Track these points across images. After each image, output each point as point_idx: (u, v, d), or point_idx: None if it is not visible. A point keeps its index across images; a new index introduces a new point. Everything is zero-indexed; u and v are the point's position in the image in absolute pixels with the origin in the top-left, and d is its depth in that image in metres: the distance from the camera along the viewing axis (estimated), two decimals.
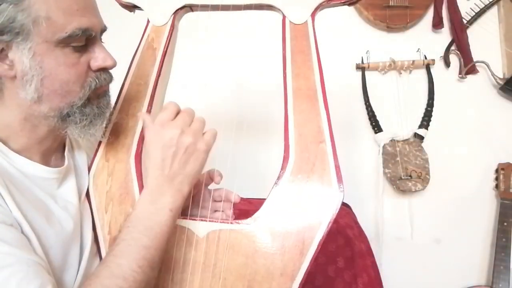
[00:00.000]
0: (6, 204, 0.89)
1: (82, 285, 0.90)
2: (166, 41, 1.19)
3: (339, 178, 1.03)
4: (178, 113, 1.02)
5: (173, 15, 1.19)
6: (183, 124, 0.99)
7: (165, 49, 1.19)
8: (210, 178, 1.20)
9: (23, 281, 0.81)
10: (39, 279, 0.84)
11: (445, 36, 2.51)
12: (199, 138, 1.00)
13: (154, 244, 0.94)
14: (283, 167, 1.06)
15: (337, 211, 1.02)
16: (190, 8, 1.19)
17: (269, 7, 1.14)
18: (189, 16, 1.24)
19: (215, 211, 1.19)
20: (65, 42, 0.93)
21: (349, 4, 1.14)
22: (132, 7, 1.21)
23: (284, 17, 1.12)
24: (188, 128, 1.00)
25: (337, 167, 1.03)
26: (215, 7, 1.15)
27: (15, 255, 0.84)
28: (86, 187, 1.16)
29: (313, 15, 1.11)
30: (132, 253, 0.91)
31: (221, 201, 1.19)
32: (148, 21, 1.21)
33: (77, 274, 1.05)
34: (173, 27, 1.19)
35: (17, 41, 0.89)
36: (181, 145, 0.98)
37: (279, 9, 1.12)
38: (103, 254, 1.11)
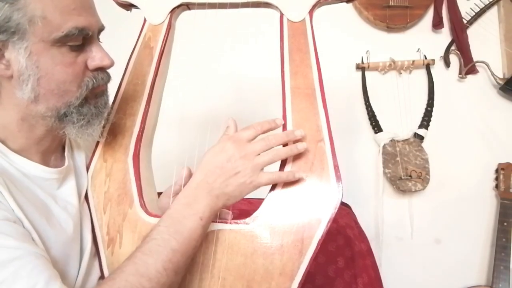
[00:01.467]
0: (8, 203, 0.89)
1: (107, 278, 0.91)
2: (163, 40, 1.18)
3: (338, 177, 1.02)
4: (257, 136, 1.04)
5: (170, 14, 1.19)
6: (252, 151, 1.01)
7: (162, 48, 1.18)
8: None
9: (33, 272, 0.82)
10: (48, 270, 0.85)
11: (445, 36, 2.51)
12: (254, 171, 1.00)
13: (182, 248, 0.94)
14: (282, 166, 1.06)
15: (336, 210, 1.02)
16: (187, 6, 1.19)
17: (267, 5, 1.14)
18: (186, 14, 1.23)
19: None
20: (61, 42, 0.92)
21: (347, 1, 1.14)
22: (129, 6, 1.21)
23: (281, 15, 1.12)
24: (253, 156, 1.00)
25: (336, 166, 1.03)
26: (212, 5, 1.15)
27: (23, 249, 0.84)
28: (86, 188, 1.16)
29: (311, 12, 1.11)
30: (160, 254, 0.91)
31: None
32: (145, 20, 1.21)
33: (77, 275, 1.05)
34: (170, 26, 1.19)
35: (13, 40, 0.89)
36: (234, 168, 0.99)
37: (276, 7, 1.12)
38: (102, 255, 1.11)
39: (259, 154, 1.01)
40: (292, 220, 1.03)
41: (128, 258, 0.92)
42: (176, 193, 1.12)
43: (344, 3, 1.16)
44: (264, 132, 1.04)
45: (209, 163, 1.01)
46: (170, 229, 0.95)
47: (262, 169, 1.01)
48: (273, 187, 1.06)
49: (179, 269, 0.94)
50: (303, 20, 1.10)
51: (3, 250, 0.83)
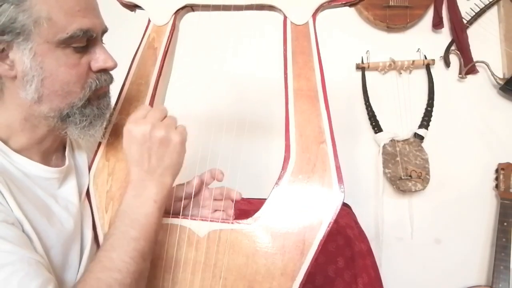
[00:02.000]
0: (7, 203, 0.90)
1: (77, 281, 0.90)
2: (167, 40, 1.19)
3: (340, 179, 1.03)
4: (148, 111, 1.03)
5: (174, 15, 1.19)
6: (154, 119, 1.00)
7: (166, 49, 1.19)
8: (212, 177, 1.20)
9: (25, 279, 0.81)
10: (40, 277, 0.84)
11: (445, 36, 2.51)
12: (171, 131, 1.00)
13: (142, 235, 0.94)
14: (283, 168, 1.06)
15: (337, 211, 1.02)
16: (191, 8, 1.19)
17: (270, 8, 1.14)
18: (190, 16, 1.24)
19: (216, 210, 1.19)
20: (66, 43, 0.93)
21: (350, 5, 1.14)
22: (133, 7, 1.21)
23: (285, 17, 1.12)
24: (160, 122, 1.00)
25: (338, 168, 1.03)
26: (216, 7, 1.15)
27: (17, 254, 0.84)
28: (86, 187, 1.16)
29: (314, 15, 1.11)
30: (122, 246, 0.92)
31: (222, 199, 1.19)
32: (149, 21, 1.21)
33: (77, 274, 1.05)
34: (174, 27, 1.19)
35: (18, 41, 0.89)
36: (154, 139, 0.98)
37: (280, 10, 1.12)
38: None
39: (162, 119, 1.02)
40: (294, 220, 1.03)
41: (93, 259, 0.92)
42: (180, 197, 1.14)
43: (347, 7, 1.16)
44: (149, 110, 1.04)
45: (133, 155, 1.00)
46: (126, 221, 0.95)
47: (174, 127, 1.02)
48: (277, 184, 1.06)
49: (145, 255, 0.95)
50: (307, 23, 1.10)
51: None
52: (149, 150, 0.98)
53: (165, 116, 1.03)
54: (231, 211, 1.16)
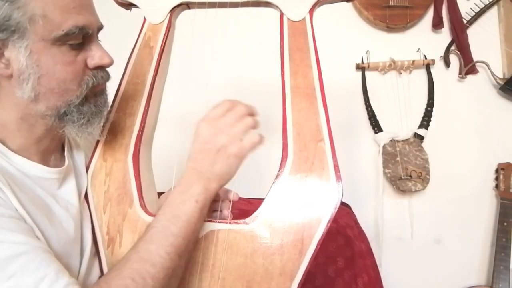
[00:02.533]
0: (11, 202, 0.89)
1: (112, 269, 0.91)
2: (163, 39, 1.18)
3: (338, 177, 1.02)
4: (228, 110, 1.04)
5: (169, 13, 1.18)
6: (225, 124, 1.01)
7: (162, 47, 1.18)
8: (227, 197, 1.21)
9: (42, 264, 0.83)
10: (56, 263, 0.86)
11: (445, 36, 2.51)
12: (234, 141, 1.01)
13: (182, 232, 0.95)
14: (281, 166, 1.05)
15: (336, 210, 1.01)
16: (187, 5, 1.19)
17: (267, 4, 1.13)
18: (186, 13, 1.23)
19: (214, 211, 1.18)
20: (61, 40, 0.92)
21: (347, 1, 1.14)
22: (129, 5, 1.21)
23: (281, 14, 1.12)
24: (228, 128, 1.01)
25: (336, 166, 1.03)
26: (212, 5, 1.15)
27: (30, 243, 0.85)
28: (85, 187, 1.16)
29: (311, 12, 1.10)
30: (160, 240, 0.93)
31: (219, 200, 1.19)
32: (145, 19, 1.20)
33: (78, 275, 1.05)
34: (170, 25, 1.19)
35: (13, 39, 0.89)
36: (215, 144, 1.00)
37: (276, 6, 1.12)
38: (102, 254, 1.11)
39: (233, 126, 1.02)
40: (292, 219, 1.03)
41: (132, 248, 0.94)
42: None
43: (344, 2, 1.15)
44: (233, 107, 1.05)
45: (193, 150, 1.02)
46: (168, 215, 0.97)
47: (241, 138, 1.02)
48: (275, 183, 1.05)
49: (182, 253, 0.95)
50: (303, 19, 1.10)
51: (10, 245, 0.83)
52: (207, 152, 1.00)
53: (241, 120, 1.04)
54: (228, 212, 1.16)
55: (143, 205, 1.10)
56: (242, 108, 1.05)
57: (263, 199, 1.06)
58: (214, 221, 1.06)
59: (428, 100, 2.47)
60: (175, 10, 1.19)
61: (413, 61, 2.45)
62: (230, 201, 1.19)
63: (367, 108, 2.50)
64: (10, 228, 0.85)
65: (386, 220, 2.48)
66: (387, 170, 2.42)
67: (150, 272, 0.88)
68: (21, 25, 0.88)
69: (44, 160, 1.07)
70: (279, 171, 1.05)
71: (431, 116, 2.45)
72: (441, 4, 2.46)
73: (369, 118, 2.50)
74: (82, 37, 0.96)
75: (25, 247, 0.84)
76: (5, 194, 0.89)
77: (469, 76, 2.47)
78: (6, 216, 0.86)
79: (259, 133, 1.05)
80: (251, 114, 1.06)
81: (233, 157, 1.01)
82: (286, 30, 1.11)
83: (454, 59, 2.49)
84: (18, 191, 0.93)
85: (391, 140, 2.44)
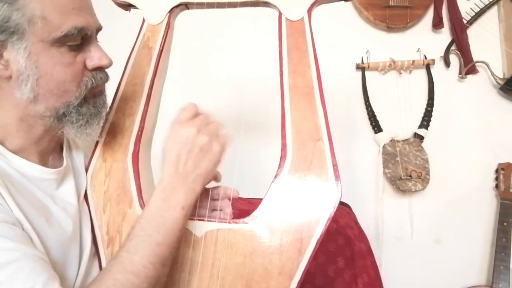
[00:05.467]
0: (7, 204, 0.89)
1: (94, 280, 0.90)
2: (162, 39, 1.18)
3: (337, 176, 1.02)
4: (196, 113, 1.04)
5: (168, 14, 1.19)
6: (201, 124, 1.01)
7: (161, 47, 1.19)
8: (226, 194, 1.21)
9: (30, 274, 0.82)
10: (46, 273, 0.84)
11: (445, 36, 2.51)
12: (214, 138, 1.01)
13: (166, 241, 0.94)
14: (280, 166, 1.05)
15: (335, 209, 1.01)
16: (186, 6, 1.19)
17: (265, 4, 1.14)
18: (185, 14, 1.24)
19: (213, 210, 1.19)
20: (60, 42, 0.92)
21: (346, 0, 1.14)
22: (128, 6, 1.21)
23: (280, 13, 1.12)
24: (205, 128, 1.01)
25: (335, 165, 1.03)
26: (210, 5, 1.15)
27: (21, 251, 0.84)
28: (85, 188, 1.16)
29: (309, 11, 1.11)
30: (145, 250, 0.92)
31: (219, 199, 1.19)
32: (144, 20, 1.21)
33: (77, 275, 1.05)
34: (168, 26, 1.19)
35: (12, 40, 0.89)
36: (196, 144, 0.99)
37: (275, 6, 1.12)
38: (102, 254, 1.11)
39: (208, 124, 1.02)
40: (291, 219, 1.03)
41: (114, 258, 0.92)
42: None
43: (343, 2, 1.15)
44: (197, 111, 1.05)
45: (171, 155, 1.00)
46: (152, 223, 0.95)
47: (218, 134, 1.03)
48: (273, 182, 1.05)
49: (165, 261, 0.95)
50: (302, 19, 1.10)
51: (0, 252, 0.82)
52: (188, 153, 0.99)
53: (210, 121, 1.04)
54: (229, 210, 1.16)
55: (142, 205, 1.10)
56: (207, 111, 1.06)
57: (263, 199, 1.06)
58: (213, 221, 1.06)
59: (428, 100, 2.47)
60: (174, 11, 1.19)
61: (413, 61, 2.45)
62: (229, 199, 1.19)
63: (367, 108, 2.50)
64: (2, 234, 0.84)
65: (386, 220, 2.48)
66: (387, 170, 2.42)
67: (134, 283, 0.87)
68: (20, 27, 0.88)
69: (43, 160, 1.07)
70: (278, 170, 1.05)
71: (431, 116, 2.45)
72: (441, 4, 2.46)
73: (369, 118, 2.50)
74: (81, 38, 0.96)
75: (15, 254, 0.83)
76: (1, 196, 0.89)
77: (469, 76, 2.47)
78: None
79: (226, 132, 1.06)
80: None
81: (217, 153, 1.01)
82: (285, 30, 1.11)
83: (454, 59, 2.49)
84: (16, 192, 0.93)
85: (391, 140, 2.44)
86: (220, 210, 1.18)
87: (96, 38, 1.03)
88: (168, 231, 0.95)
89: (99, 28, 1.03)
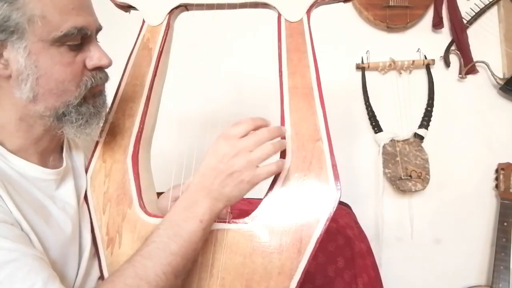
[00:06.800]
0: (6, 204, 0.89)
1: (105, 281, 0.90)
2: (162, 41, 1.19)
3: (336, 176, 1.02)
4: (249, 131, 1.00)
5: (168, 15, 1.19)
6: (244, 147, 0.97)
7: (161, 49, 1.19)
8: None
9: (30, 273, 0.82)
10: (45, 271, 0.84)
11: (445, 36, 2.51)
12: (250, 168, 0.97)
13: (181, 252, 0.93)
14: None
15: (334, 209, 1.02)
16: (185, 7, 1.20)
17: (264, 5, 1.14)
18: (184, 15, 1.24)
19: None
20: (60, 41, 0.92)
21: (345, 1, 1.14)
22: (127, 7, 1.21)
23: (279, 15, 1.12)
24: (247, 153, 0.97)
25: (334, 165, 1.03)
26: (210, 6, 1.15)
27: (19, 251, 0.84)
28: (85, 188, 1.16)
29: (308, 12, 1.11)
30: (159, 257, 0.91)
31: None
32: (144, 21, 1.21)
33: (76, 276, 1.05)
34: (168, 27, 1.20)
35: (12, 40, 0.89)
36: (228, 166, 0.96)
37: (274, 7, 1.12)
38: (101, 255, 1.11)
39: (251, 151, 0.98)
40: (291, 219, 1.03)
41: (128, 261, 0.91)
42: (175, 198, 1.13)
43: (342, 3, 1.16)
44: (256, 128, 1.01)
45: (205, 165, 0.99)
46: (170, 232, 0.94)
47: (257, 165, 0.98)
48: (273, 183, 1.05)
49: (178, 273, 0.93)
50: (301, 20, 1.10)
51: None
52: (219, 171, 0.97)
53: (260, 144, 0.99)
54: (226, 210, 1.15)
55: (142, 206, 1.11)
56: (264, 133, 1.00)
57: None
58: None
59: (428, 100, 2.47)
60: (173, 12, 1.20)
61: (413, 61, 2.45)
62: None
63: (367, 108, 2.50)
64: (1, 234, 0.84)
65: (386, 220, 2.48)
66: (387, 170, 2.42)
67: None
68: (20, 26, 0.88)
69: (43, 161, 1.07)
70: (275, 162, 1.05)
71: (431, 116, 2.45)
72: (441, 4, 2.46)
73: (369, 118, 2.49)
74: (81, 38, 0.96)
75: (14, 254, 0.83)
76: (0, 197, 0.89)
77: (469, 76, 2.47)
78: None
79: (279, 161, 1.03)
80: (274, 137, 1.02)
81: (246, 184, 0.97)
82: (284, 31, 1.11)
83: (454, 59, 2.49)
84: (15, 193, 0.93)
85: (391, 140, 2.44)
86: None
87: (96, 38, 1.03)
88: (184, 242, 0.94)
89: (99, 28, 1.03)
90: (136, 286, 0.86)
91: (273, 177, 1.05)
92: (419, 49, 2.50)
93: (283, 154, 1.06)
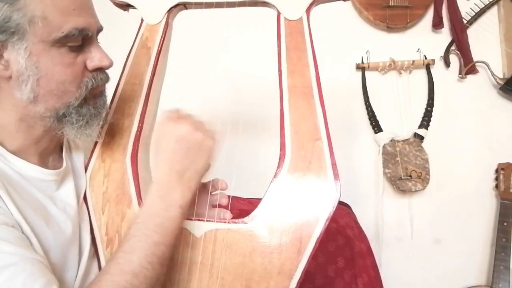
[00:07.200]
0: (6, 205, 0.89)
1: (92, 282, 0.89)
2: (161, 39, 1.19)
3: (336, 176, 1.02)
4: (183, 114, 1.03)
5: (167, 14, 1.19)
6: (194, 121, 1.00)
7: (160, 47, 1.19)
8: (214, 186, 1.21)
9: (28, 279, 0.81)
10: (44, 277, 0.84)
11: (445, 36, 2.51)
12: (208, 135, 1.00)
13: (164, 240, 0.93)
14: (279, 165, 1.06)
15: (334, 208, 1.01)
16: (184, 6, 1.20)
17: (264, 4, 1.14)
18: (183, 14, 1.24)
19: (212, 206, 1.18)
20: (61, 42, 0.92)
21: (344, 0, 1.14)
22: (126, 6, 1.21)
23: (278, 13, 1.12)
24: (199, 124, 1.00)
25: (334, 165, 1.03)
26: (209, 5, 1.15)
27: (19, 254, 0.84)
28: (84, 189, 1.16)
29: (308, 11, 1.11)
30: (143, 250, 0.90)
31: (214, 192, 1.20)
32: (142, 20, 1.21)
33: (76, 276, 1.05)
34: (167, 26, 1.20)
35: (13, 40, 0.89)
36: (193, 141, 0.98)
37: (273, 5, 1.12)
38: (101, 255, 1.11)
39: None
40: (290, 219, 1.03)
41: (111, 259, 0.91)
42: None
43: (342, 2, 1.16)
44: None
45: (166, 152, 1.00)
46: (149, 223, 0.94)
47: (209, 130, 1.02)
48: (273, 182, 1.05)
49: (164, 261, 0.93)
50: (300, 18, 1.10)
51: None
52: (185, 151, 0.98)
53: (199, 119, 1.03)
54: (227, 215, 1.15)
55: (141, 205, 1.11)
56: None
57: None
58: (212, 221, 1.06)
59: (428, 100, 2.47)
60: (172, 11, 1.20)
61: (413, 61, 2.45)
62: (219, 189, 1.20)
63: (367, 108, 2.50)
64: (1, 237, 0.84)
65: (386, 220, 2.48)
66: (387, 170, 2.42)
67: (133, 284, 0.86)
68: (20, 27, 0.88)
69: (43, 161, 1.07)
70: (277, 170, 1.05)
71: (431, 116, 2.45)
72: (441, 4, 2.46)
73: (369, 118, 2.50)
74: (82, 39, 0.96)
75: (14, 258, 0.82)
76: (1, 198, 0.89)
77: (469, 76, 2.47)
78: None
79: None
80: None
81: (212, 150, 1.01)
82: (283, 30, 1.11)
83: (454, 59, 2.49)
84: (15, 193, 0.93)
85: (391, 140, 2.44)
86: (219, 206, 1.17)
87: (97, 39, 1.03)
88: (167, 231, 0.94)
89: (99, 29, 1.03)
90: (124, 281, 0.85)
91: (272, 176, 1.05)
92: (419, 49, 2.50)
93: (282, 154, 1.06)
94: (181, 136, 0.98)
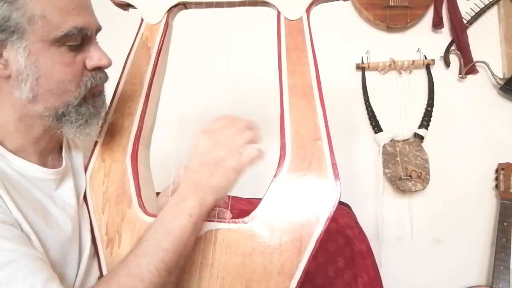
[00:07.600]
0: (6, 204, 0.89)
1: (100, 281, 0.90)
2: (161, 39, 1.19)
3: (336, 176, 1.02)
4: (227, 126, 1.03)
5: (167, 13, 1.19)
6: (224, 137, 1.00)
7: (160, 47, 1.19)
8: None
9: (29, 274, 0.81)
10: (45, 272, 0.84)
11: (445, 36, 2.51)
12: (233, 155, 0.99)
13: (173, 248, 0.92)
14: (279, 165, 1.05)
15: (334, 208, 1.01)
16: (184, 5, 1.20)
17: (264, 3, 1.14)
18: (183, 13, 1.24)
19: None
20: (60, 41, 0.92)
21: None
22: (126, 6, 1.21)
23: (278, 13, 1.12)
24: (225, 142, 0.99)
25: (334, 165, 1.03)
26: (209, 4, 1.15)
27: (19, 251, 0.84)
28: (84, 188, 1.16)
29: (308, 10, 1.11)
30: (152, 255, 0.90)
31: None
32: (142, 20, 1.21)
33: (76, 276, 1.04)
34: (167, 25, 1.19)
35: (12, 40, 0.89)
36: (212, 157, 0.98)
37: (273, 5, 1.12)
38: (101, 255, 1.11)
39: (232, 139, 1.00)
40: (291, 218, 1.02)
41: (122, 261, 0.91)
42: (174, 192, 1.12)
43: (342, 1, 1.15)
44: (230, 122, 1.03)
45: (192, 162, 1.01)
46: (161, 229, 0.94)
47: (239, 151, 1.00)
48: (273, 182, 1.05)
49: (172, 269, 0.93)
50: (300, 18, 1.10)
51: None
52: (204, 164, 0.99)
53: (237, 136, 1.02)
54: (227, 215, 1.15)
55: (141, 205, 1.10)
56: (242, 122, 1.03)
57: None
58: (212, 221, 1.06)
59: (428, 100, 2.47)
60: (172, 10, 1.20)
61: (413, 61, 2.45)
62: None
63: (367, 108, 2.50)
64: (1, 235, 0.84)
65: (386, 220, 2.49)
66: (387, 170, 2.42)
67: None
68: (20, 26, 0.88)
69: (42, 160, 1.07)
70: (277, 170, 1.05)
71: (431, 116, 2.46)
72: (441, 4, 2.46)
73: (369, 118, 2.50)
74: (81, 38, 0.96)
75: (14, 255, 0.82)
76: (0, 197, 0.89)
77: (469, 76, 2.47)
78: None
79: (259, 148, 1.04)
80: (251, 128, 1.04)
81: (231, 171, 0.99)
82: (284, 29, 1.11)
83: (454, 59, 2.49)
84: (14, 192, 0.93)
85: (391, 140, 2.44)
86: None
87: (96, 38, 1.03)
88: (175, 238, 0.93)
89: (98, 29, 1.03)
90: (130, 284, 0.86)
91: (272, 176, 1.05)
92: (419, 49, 2.50)
93: (282, 154, 1.06)
94: (203, 150, 1.00)
